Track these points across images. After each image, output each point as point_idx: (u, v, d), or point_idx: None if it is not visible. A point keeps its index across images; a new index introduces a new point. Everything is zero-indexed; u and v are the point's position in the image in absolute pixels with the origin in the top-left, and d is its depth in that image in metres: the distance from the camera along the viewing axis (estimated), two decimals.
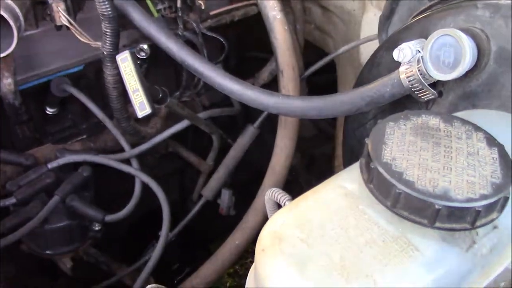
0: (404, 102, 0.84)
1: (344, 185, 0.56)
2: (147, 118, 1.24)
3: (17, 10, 0.96)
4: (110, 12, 0.96)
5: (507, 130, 0.64)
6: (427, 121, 0.58)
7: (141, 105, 0.95)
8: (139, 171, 1.21)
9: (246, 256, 1.57)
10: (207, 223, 1.49)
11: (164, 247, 1.20)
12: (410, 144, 0.54)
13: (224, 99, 1.44)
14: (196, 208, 1.31)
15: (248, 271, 0.56)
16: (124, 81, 0.95)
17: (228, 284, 1.77)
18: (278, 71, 1.22)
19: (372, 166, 0.52)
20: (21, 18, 0.97)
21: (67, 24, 1.02)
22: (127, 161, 1.25)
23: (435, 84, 0.79)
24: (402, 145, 0.54)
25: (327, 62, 1.52)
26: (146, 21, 1.01)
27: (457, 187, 0.50)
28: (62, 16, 1.01)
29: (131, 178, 1.23)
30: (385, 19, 1.07)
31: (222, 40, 1.35)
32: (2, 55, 0.95)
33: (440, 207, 0.49)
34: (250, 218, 1.27)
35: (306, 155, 1.66)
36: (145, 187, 1.24)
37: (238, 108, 1.42)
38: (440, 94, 0.81)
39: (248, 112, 1.47)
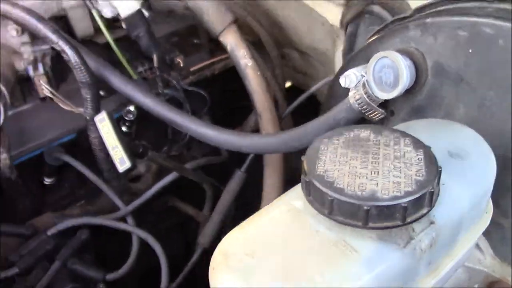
0: None
1: (290, 202, 0.60)
2: (138, 176, 1.30)
3: (2, 88, 1.04)
4: (88, 79, 1.03)
5: (440, 134, 0.68)
6: (359, 134, 0.62)
7: (121, 161, 1.00)
8: (135, 227, 1.25)
9: None
10: None
11: None
12: (341, 156, 0.59)
13: (214, 149, 1.50)
14: (194, 257, 1.34)
15: None
16: (104, 140, 1.01)
17: None
18: (256, 115, 1.28)
19: (307, 180, 0.57)
20: (7, 95, 1.05)
21: (50, 95, 1.09)
22: (124, 220, 1.30)
23: (385, 105, 0.84)
24: (334, 158, 0.59)
25: (315, 102, 1.58)
26: (123, 82, 1.09)
27: (383, 188, 0.54)
28: (44, 89, 1.09)
29: (130, 236, 1.27)
30: (346, 53, 1.14)
31: (204, 94, 1.42)
32: None
33: (369, 208, 0.53)
34: None
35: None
36: (145, 244, 1.28)
37: (225, 155, 1.47)
38: (392, 113, 0.86)
39: (240, 157, 1.52)
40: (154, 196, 1.31)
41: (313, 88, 1.33)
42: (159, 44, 1.36)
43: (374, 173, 0.56)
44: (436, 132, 0.69)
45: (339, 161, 0.58)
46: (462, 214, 0.61)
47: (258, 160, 1.38)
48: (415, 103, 0.82)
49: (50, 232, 1.21)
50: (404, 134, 0.61)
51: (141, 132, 1.34)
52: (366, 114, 0.82)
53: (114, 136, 0.99)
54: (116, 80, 1.09)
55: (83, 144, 1.32)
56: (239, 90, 1.59)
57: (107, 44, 1.26)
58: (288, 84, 1.79)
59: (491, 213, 0.68)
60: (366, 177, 0.56)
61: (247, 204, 1.40)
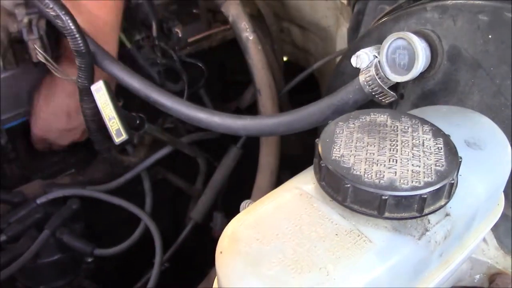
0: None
1: (300, 186, 0.58)
2: (131, 147, 1.27)
3: None
4: (82, 48, 0.98)
5: (457, 122, 0.66)
6: (375, 119, 0.60)
7: (117, 132, 0.97)
8: (130, 204, 1.23)
9: None
10: (203, 248, 1.50)
11: (159, 275, 1.22)
12: (358, 141, 0.56)
13: None
14: (186, 231, 1.32)
15: None
16: (100, 110, 0.97)
17: None
18: (255, 90, 1.25)
19: (322, 164, 0.54)
20: None
21: (43, 61, 1.05)
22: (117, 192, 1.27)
23: (395, 87, 0.81)
24: (350, 143, 0.56)
25: (312, 80, 1.55)
26: (110, 63, 1.04)
27: (402, 177, 0.52)
28: (38, 53, 1.05)
29: (120, 207, 1.25)
30: (352, 32, 1.11)
31: (201, 65, 1.39)
32: None
33: (387, 197, 0.51)
34: None
35: (295, 172, 1.67)
36: (135, 217, 1.26)
37: None
38: (401, 96, 0.83)
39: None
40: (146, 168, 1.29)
41: (315, 66, 1.31)
42: (158, 13, 1.32)
43: (392, 161, 0.54)
44: (452, 119, 0.67)
45: (355, 147, 0.55)
46: (477, 206, 0.59)
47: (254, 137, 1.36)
48: (427, 87, 0.79)
49: (40, 200, 1.18)
50: (423, 121, 0.59)
51: (135, 102, 1.31)
52: (376, 96, 0.79)
53: (112, 107, 0.95)
54: (101, 59, 1.04)
55: None
56: (236, 64, 1.57)
57: None
58: (284, 59, 1.75)
59: (503, 205, 0.66)
60: (384, 165, 0.53)
61: (240, 181, 1.38)
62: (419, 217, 0.52)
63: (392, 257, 0.52)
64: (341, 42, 1.39)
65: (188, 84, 1.34)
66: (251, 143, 1.38)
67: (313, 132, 1.73)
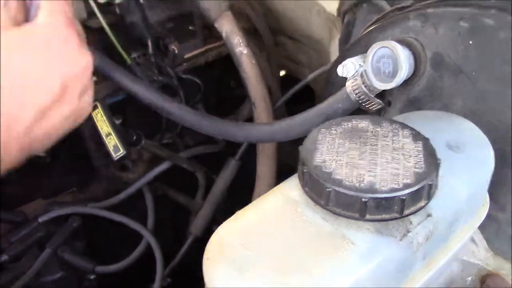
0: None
1: (285, 193, 0.59)
2: (129, 164, 1.29)
3: None
4: None
5: (439, 126, 0.68)
6: (357, 124, 0.61)
7: (115, 148, 0.99)
8: (130, 220, 1.25)
9: None
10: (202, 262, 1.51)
11: None
12: (339, 146, 0.58)
13: (208, 137, 1.48)
14: (186, 246, 1.33)
15: None
16: (97, 128, 0.99)
17: None
18: (251, 103, 1.27)
19: (305, 170, 0.56)
20: None
21: None
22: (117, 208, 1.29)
23: (382, 95, 0.83)
24: (332, 148, 0.58)
25: (308, 91, 1.57)
26: (112, 69, 1.06)
27: (382, 180, 0.53)
28: None
29: (122, 225, 1.27)
30: (343, 43, 1.12)
31: (198, 81, 1.41)
32: None
33: (367, 199, 0.52)
34: None
35: None
36: (136, 232, 1.27)
37: (222, 144, 1.46)
38: (389, 103, 0.85)
39: (234, 147, 1.51)
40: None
41: (309, 77, 1.32)
42: (154, 30, 1.34)
43: (373, 165, 0.55)
44: (434, 123, 0.68)
45: (337, 152, 0.57)
46: (459, 207, 0.61)
47: (252, 149, 1.37)
48: (412, 94, 0.81)
49: (41, 219, 1.20)
50: (403, 126, 0.61)
51: (133, 119, 1.33)
52: (363, 104, 0.81)
53: (108, 123, 0.97)
54: (103, 65, 1.05)
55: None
56: (232, 79, 1.58)
57: (100, 29, 1.24)
58: (282, 73, 1.78)
59: (488, 206, 0.68)
60: (365, 169, 0.55)
61: (239, 192, 1.39)
62: (400, 218, 0.54)
63: (375, 258, 0.53)
64: (335, 53, 1.41)
65: (186, 100, 1.35)
66: (249, 155, 1.40)
67: None
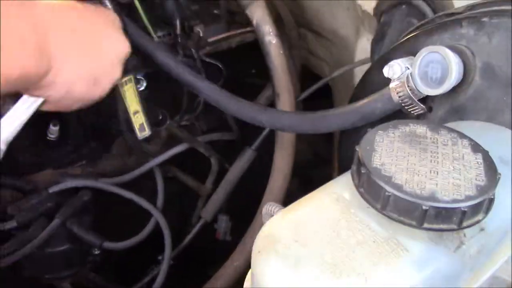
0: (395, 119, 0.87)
1: (336, 191, 0.58)
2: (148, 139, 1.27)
3: None
4: None
5: (491, 138, 0.67)
6: (415, 130, 0.60)
7: (141, 127, 0.97)
8: (140, 198, 1.23)
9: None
10: (206, 247, 1.51)
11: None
12: (399, 150, 0.57)
13: (221, 124, 1.47)
14: (196, 229, 1.32)
15: None
16: (126, 103, 0.97)
17: None
18: (274, 94, 1.26)
19: (363, 171, 0.55)
20: None
21: None
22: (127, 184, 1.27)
23: (424, 100, 0.82)
24: (390, 151, 0.56)
25: (324, 87, 1.55)
26: (145, 40, 1.04)
27: (443, 189, 0.52)
28: None
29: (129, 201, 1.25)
30: (376, 43, 1.11)
31: (220, 65, 1.39)
32: None
33: (427, 208, 0.51)
34: (248, 240, 1.29)
35: (304, 180, 1.68)
36: (145, 211, 1.26)
37: (237, 132, 1.44)
38: (430, 109, 0.84)
39: (245, 137, 1.50)
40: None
41: (334, 74, 1.31)
42: (181, 11, 1.32)
43: (434, 173, 0.54)
44: (486, 135, 0.67)
45: (396, 156, 0.56)
46: (509, 223, 0.60)
47: (267, 141, 1.36)
48: (457, 102, 0.80)
49: (52, 189, 1.18)
50: (462, 135, 0.60)
51: (153, 98, 1.31)
52: (406, 107, 0.80)
53: (138, 100, 0.95)
54: (136, 33, 1.03)
55: None
56: (251, 66, 1.57)
57: (128, 4, 1.22)
58: None
59: None
60: (425, 176, 0.54)
61: (251, 183, 1.39)
62: (457, 229, 0.53)
63: (428, 267, 0.52)
64: (361, 52, 1.40)
65: None
66: (264, 147, 1.39)
67: (326, 142, 1.73)
